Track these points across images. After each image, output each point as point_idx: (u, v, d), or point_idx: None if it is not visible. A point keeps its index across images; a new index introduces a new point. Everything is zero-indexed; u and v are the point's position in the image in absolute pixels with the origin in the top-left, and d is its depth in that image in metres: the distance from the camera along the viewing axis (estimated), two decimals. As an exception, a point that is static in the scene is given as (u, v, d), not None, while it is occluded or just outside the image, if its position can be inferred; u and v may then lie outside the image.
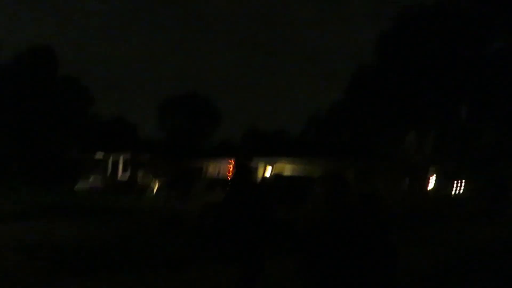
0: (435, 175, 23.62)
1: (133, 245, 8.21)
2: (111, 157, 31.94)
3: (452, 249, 10.02)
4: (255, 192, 3.93)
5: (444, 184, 23.39)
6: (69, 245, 7.90)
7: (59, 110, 33.61)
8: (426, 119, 29.16)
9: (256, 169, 25.04)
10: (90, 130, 36.33)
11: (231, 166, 25.50)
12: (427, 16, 28.45)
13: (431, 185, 23.61)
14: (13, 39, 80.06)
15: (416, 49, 28.17)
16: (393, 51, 29.32)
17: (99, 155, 32.41)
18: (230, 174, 25.01)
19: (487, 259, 9.03)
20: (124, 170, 30.97)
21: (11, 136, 31.96)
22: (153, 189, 23.91)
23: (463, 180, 22.81)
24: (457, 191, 23.33)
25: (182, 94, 48.02)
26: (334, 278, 2.75)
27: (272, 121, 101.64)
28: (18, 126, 32.27)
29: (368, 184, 20.37)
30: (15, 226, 11.05)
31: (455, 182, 23.13)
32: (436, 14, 28.33)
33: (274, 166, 24.08)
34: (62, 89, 34.92)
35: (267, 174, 23.14)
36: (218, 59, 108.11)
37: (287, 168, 22.36)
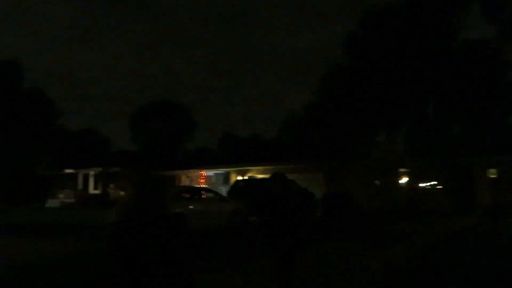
0: (406, 173, 24.08)
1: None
2: (81, 172, 31.22)
3: (424, 241, 10.51)
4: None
5: (415, 181, 23.89)
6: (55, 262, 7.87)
7: (25, 125, 32.50)
8: (395, 118, 29.59)
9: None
10: (58, 144, 35.18)
11: (203, 175, 25.45)
12: (393, 14, 28.77)
13: (402, 182, 24.06)
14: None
15: (382, 48, 28.48)
16: (360, 50, 29.57)
17: (70, 170, 31.63)
18: (202, 182, 24.99)
19: (455, 247, 9.68)
20: (96, 184, 30.36)
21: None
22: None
23: (433, 177, 23.37)
24: (427, 187, 23.88)
25: (155, 102, 47.19)
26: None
27: (248, 125, 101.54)
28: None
29: (338, 184, 20.60)
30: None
31: (425, 179, 23.70)
32: (401, 11, 28.65)
33: (247, 174, 24.39)
34: (27, 102, 33.78)
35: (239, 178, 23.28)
36: (189, 65, 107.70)
37: (259, 175, 22.58)
